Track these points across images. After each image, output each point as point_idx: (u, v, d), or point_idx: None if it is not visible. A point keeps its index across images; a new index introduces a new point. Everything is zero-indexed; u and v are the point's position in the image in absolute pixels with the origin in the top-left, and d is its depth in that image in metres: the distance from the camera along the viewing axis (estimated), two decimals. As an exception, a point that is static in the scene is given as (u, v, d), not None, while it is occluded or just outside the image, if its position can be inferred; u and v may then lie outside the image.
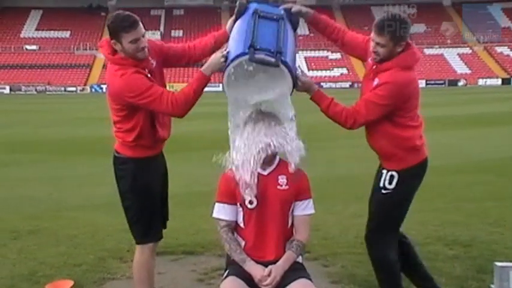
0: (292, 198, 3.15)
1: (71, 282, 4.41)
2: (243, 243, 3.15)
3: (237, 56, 3.16)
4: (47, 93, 63.11)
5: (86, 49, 70.89)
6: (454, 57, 73.00)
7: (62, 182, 9.67)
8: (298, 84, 3.33)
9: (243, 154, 3.07)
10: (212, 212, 3.18)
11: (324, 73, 68.56)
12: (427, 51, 70.11)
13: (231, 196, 3.15)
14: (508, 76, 68.14)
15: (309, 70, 66.03)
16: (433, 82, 64.35)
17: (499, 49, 73.42)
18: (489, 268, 4.12)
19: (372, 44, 3.54)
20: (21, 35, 75.68)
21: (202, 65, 3.44)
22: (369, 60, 3.67)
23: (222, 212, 3.17)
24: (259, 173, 3.09)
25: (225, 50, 3.34)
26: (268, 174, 3.15)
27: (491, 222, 6.18)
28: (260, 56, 3.10)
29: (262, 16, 3.27)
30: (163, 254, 4.95)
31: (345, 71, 70.45)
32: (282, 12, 3.43)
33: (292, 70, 3.21)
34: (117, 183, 3.74)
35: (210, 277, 4.58)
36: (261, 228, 3.12)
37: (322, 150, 11.74)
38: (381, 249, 3.72)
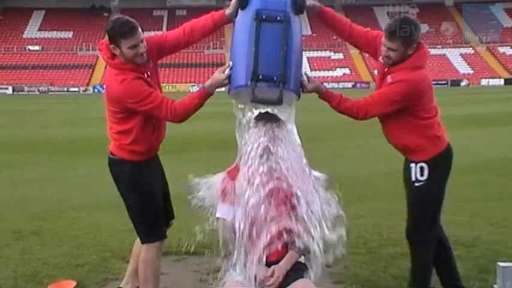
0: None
1: (74, 283, 4.41)
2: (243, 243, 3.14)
3: (240, 87, 3.24)
4: (50, 93, 63.07)
5: (88, 49, 70.77)
6: (456, 58, 72.83)
7: (65, 182, 9.69)
8: (304, 91, 3.40)
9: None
10: (215, 212, 3.20)
11: (326, 73, 68.35)
12: (430, 51, 69.80)
13: (231, 196, 3.16)
14: (510, 76, 67.95)
15: (311, 70, 65.86)
16: (435, 82, 63.87)
17: (501, 49, 73.31)
18: (492, 268, 4.11)
19: (383, 48, 3.61)
20: (24, 36, 75.74)
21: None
22: (380, 59, 3.72)
23: (223, 212, 3.18)
24: None
25: (228, 67, 3.33)
26: None
27: (493, 223, 6.18)
28: (262, 96, 3.16)
29: (264, 19, 3.18)
30: (166, 254, 4.93)
31: (347, 71, 70.38)
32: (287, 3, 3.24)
33: (296, 91, 3.29)
34: (116, 185, 3.76)
35: (213, 277, 4.57)
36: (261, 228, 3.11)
37: (324, 151, 11.76)
38: (424, 245, 3.81)
